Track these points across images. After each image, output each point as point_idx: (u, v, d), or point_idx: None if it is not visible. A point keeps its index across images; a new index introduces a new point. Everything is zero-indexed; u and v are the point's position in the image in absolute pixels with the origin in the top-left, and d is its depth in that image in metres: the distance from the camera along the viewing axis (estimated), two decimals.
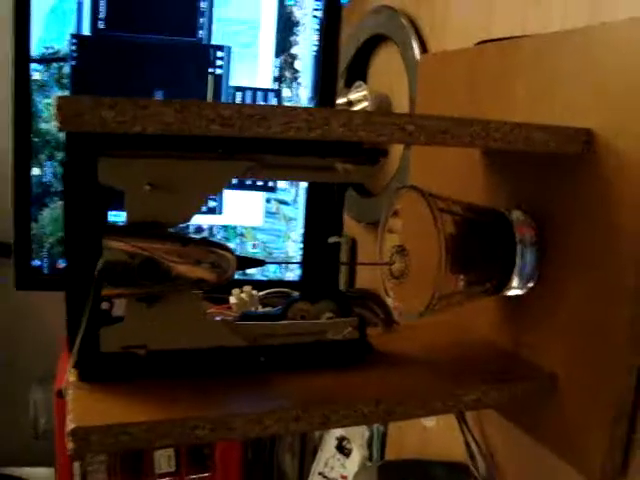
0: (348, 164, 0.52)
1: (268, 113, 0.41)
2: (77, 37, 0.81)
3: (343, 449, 0.96)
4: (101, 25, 0.81)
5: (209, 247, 0.49)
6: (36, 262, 0.86)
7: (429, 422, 0.81)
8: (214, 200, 0.86)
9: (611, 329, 0.49)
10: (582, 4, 0.60)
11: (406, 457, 0.84)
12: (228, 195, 0.87)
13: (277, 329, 0.53)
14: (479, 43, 0.68)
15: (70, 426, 0.42)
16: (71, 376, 0.49)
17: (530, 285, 0.58)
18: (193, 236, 0.50)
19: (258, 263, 0.52)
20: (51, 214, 0.84)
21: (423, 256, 0.57)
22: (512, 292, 0.58)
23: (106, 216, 0.48)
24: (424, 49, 0.84)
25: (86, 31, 0.81)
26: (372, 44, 0.95)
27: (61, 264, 0.86)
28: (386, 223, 0.58)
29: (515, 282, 0.57)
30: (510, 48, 0.62)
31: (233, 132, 0.41)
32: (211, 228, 0.88)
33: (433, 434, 0.81)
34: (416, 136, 0.45)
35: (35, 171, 0.83)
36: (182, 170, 0.47)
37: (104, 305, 0.51)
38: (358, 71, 0.98)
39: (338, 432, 0.98)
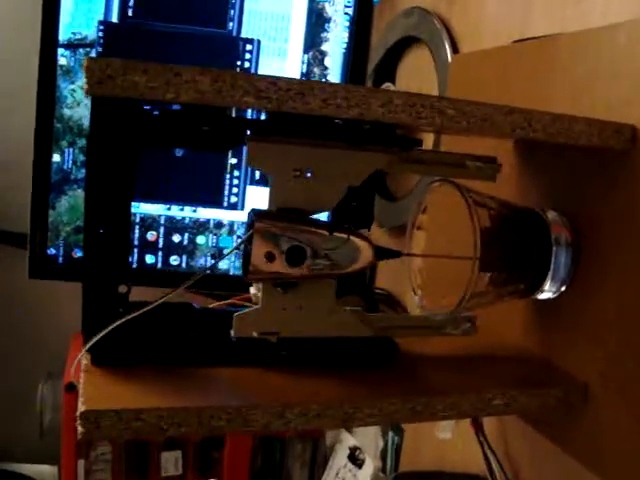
0: (479, 162, 0.52)
1: (305, 88, 0.40)
2: (105, 24, 0.80)
3: (355, 459, 0.93)
4: (130, 13, 0.80)
5: (351, 236, 0.48)
6: (51, 251, 0.84)
7: (445, 434, 0.79)
8: (235, 195, 0.85)
9: None
10: (625, 3, 0.58)
11: (421, 469, 0.81)
12: (250, 191, 0.85)
13: (399, 321, 0.54)
14: (515, 42, 0.67)
15: (81, 409, 0.41)
16: (84, 360, 0.48)
17: (563, 289, 0.55)
18: (334, 224, 0.49)
19: (395, 254, 0.51)
20: (69, 202, 0.82)
21: (455, 252, 0.55)
22: (544, 295, 0.56)
23: (133, 189, 0.46)
24: (456, 51, 0.83)
25: (114, 18, 0.80)
26: (402, 45, 0.93)
27: (77, 254, 0.85)
28: (416, 219, 0.56)
29: (548, 285, 0.55)
30: (548, 45, 0.60)
31: (268, 105, 0.39)
32: (232, 224, 0.86)
33: (450, 445, 0.78)
34: (457, 121, 0.43)
35: (55, 158, 0.81)
36: (327, 159, 0.47)
37: (121, 288, 0.49)
38: (387, 72, 0.96)
39: (351, 441, 0.95)
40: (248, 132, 0.48)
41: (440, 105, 0.43)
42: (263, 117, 0.50)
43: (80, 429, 0.41)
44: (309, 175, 0.47)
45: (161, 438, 0.96)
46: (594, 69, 0.54)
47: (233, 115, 0.53)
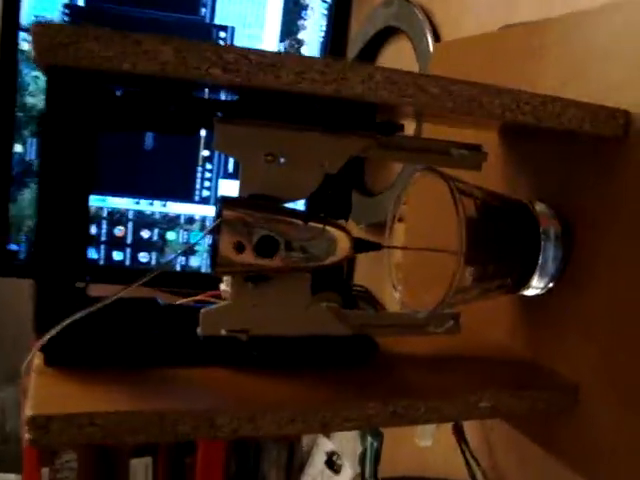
0: (464, 149, 0.49)
1: (278, 60, 0.36)
2: (70, 7, 0.76)
3: (333, 465, 0.90)
4: None
5: (327, 226, 0.45)
6: (13, 246, 0.80)
7: (425, 442, 0.75)
8: (207, 189, 0.81)
9: None
10: None
11: (402, 475, 0.78)
12: (223, 184, 0.81)
13: (380, 319, 0.51)
14: (502, 28, 0.64)
15: (29, 413, 0.37)
16: (37, 360, 0.44)
17: (551, 285, 0.52)
18: (309, 213, 0.45)
19: (374, 246, 0.48)
20: (32, 195, 0.78)
21: (438, 245, 0.52)
22: (531, 292, 0.53)
23: (93, 176, 0.42)
24: (438, 42, 0.80)
25: (80, 1, 0.76)
26: (382, 36, 0.90)
27: None
28: (397, 210, 0.53)
29: (536, 280, 0.52)
30: (537, 29, 0.57)
31: (237, 79, 0.36)
32: (204, 219, 0.82)
33: (431, 450, 0.75)
34: (442, 101, 0.40)
35: (17, 148, 0.77)
36: (302, 143, 0.44)
37: (79, 284, 0.46)
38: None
39: (328, 446, 0.92)
40: (217, 114, 0.44)
41: (424, 83, 0.40)
42: (229, 100, 0.47)
43: (27, 435, 0.37)
44: (282, 161, 0.44)
45: (121, 445, 0.92)
46: (587, 52, 0.51)
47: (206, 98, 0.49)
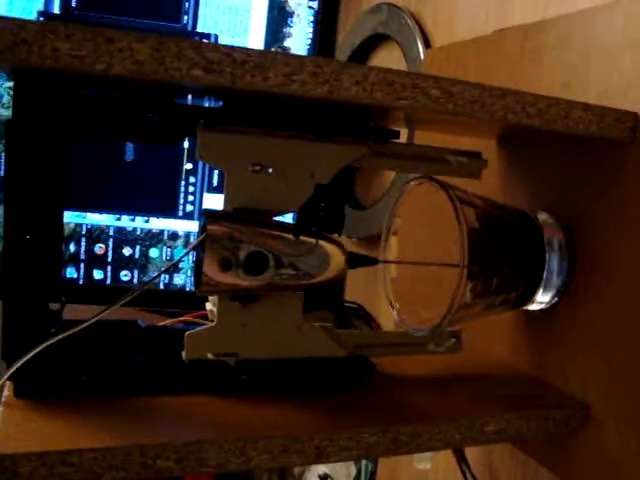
0: (462, 156, 0.47)
1: (266, 60, 0.33)
2: (45, 15, 0.73)
3: None
4: (73, 3, 0.73)
5: (319, 240, 0.42)
6: None
7: (424, 464, 0.72)
8: (191, 204, 0.78)
9: None
10: None
11: None
12: (207, 198, 0.78)
13: (377, 338, 0.48)
14: (496, 32, 0.61)
15: None
16: (6, 391, 0.40)
17: (556, 299, 0.50)
18: (300, 226, 0.42)
19: (370, 261, 0.46)
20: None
21: (434, 259, 0.49)
22: (536, 306, 0.50)
23: (65, 187, 0.39)
24: (429, 48, 0.78)
25: (56, 9, 0.73)
26: (370, 44, 0.88)
27: None
28: (392, 223, 0.50)
29: (540, 294, 0.49)
30: (532, 31, 0.55)
31: (221, 81, 0.33)
32: (188, 235, 0.79)
33: (429, 475, 0.72)
34: (442, 103, 0.37)
35: None
36: (291, 152, 0.41)
37: (53, 306, 0.42)
38: None
39: (321, 469, 0.88)
40: (200, 122, 0.41)
41: (424, 84, 0.37)
42: (213, 107, 0.44)
43: None
44: (270, 171, 0.41)
45: None
46: (586, 53, 0.49)
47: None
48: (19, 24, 0.30)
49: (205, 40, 0.76)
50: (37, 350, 0.38)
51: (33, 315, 0.40)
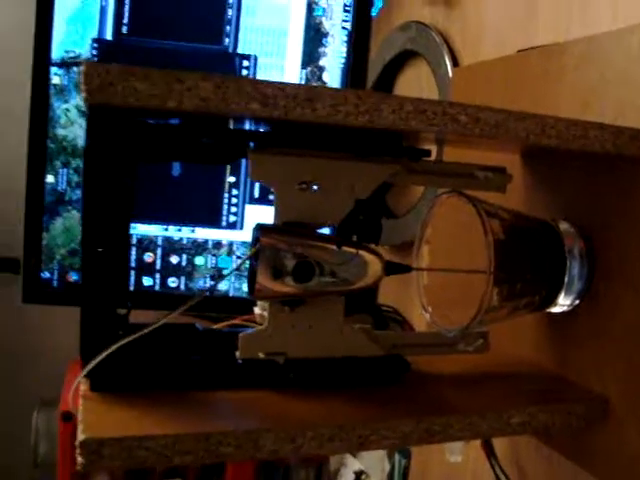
0: (488, 172, 0.51)
1: (314, 94, 0.38)
2: (99, 41, 0.78)
3: None
4: (124, 30, 0.79)
5: (359, 250, 0.47)
6: (46, 274, 0.82)
7: (455, 457, 0.76)
8: (234, 215, 0.83)
9: None
10: (633, 11, 0.57)
11: None
12: (249, 210, 0.83)
13: (412, 338, 0.52)
14: (520, 52, 0.65)
15: (81, 437, 0.38)
16: (82, 386, 0.45)
17: (577, 302, 0.54)
18: (342, 238, 0.47)
19: (405, 269, 0.50)
20: (64, 224, 0.80)
21: (463, 266, 0.53)
22: (558, 309, 0.54)
23: (132, 205, 0.44)
24: (456, 65, 0.82)
25: (109, 36, 0.79)
26: (400, 60, 0.92)
27: (72, 277, 0.82)
28: (424, 233, 0.55)
29: (562, 298, 0.53)
30: (555, 52, 0.59)
31: (275, 113, 0.38)
32: (231, 244, 0.84)
33: (459, 468, 0.76)
34: (470, 128, 0.42)
35: (49, 179, 0.79)
36: (333, 170, 0.46)
37: (120, 310, 0.47)
38: (385, 88, 0.95)
39: (356, 465, 0.92)
40: (250, 145, 0.46)
41: (452, 111, 0.41)
42: (262, 131, 0.48)
43: (80, 459, 0.38)
44: (315, 188, 0.46)
45: (164, 467, 0.93)
46: (604, 74, 0.52)
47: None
48: (106, 69, 0.35)
49: (245, 61, 0.81)
50: (110, 350, 0.43)
51: (105, 319, 0.45)
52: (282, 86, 0.38)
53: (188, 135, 0.46)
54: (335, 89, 0.39)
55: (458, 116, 0.41)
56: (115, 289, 0.45)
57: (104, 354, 0.43)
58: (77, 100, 0.77)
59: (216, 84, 0.37)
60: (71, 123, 0.76)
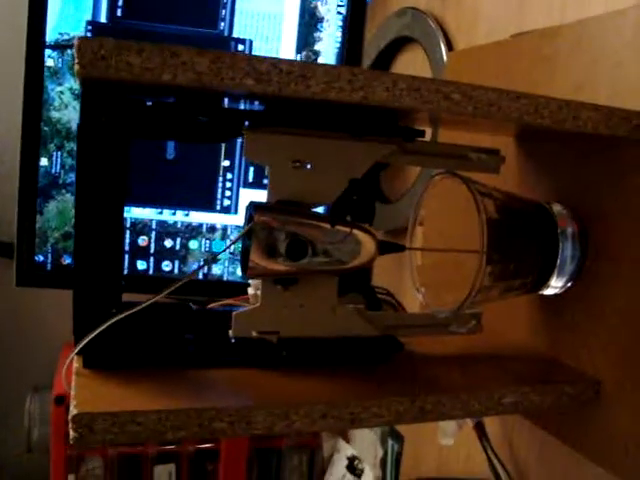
0: (482, 153, 0.51)
1: (308, 71, 0.38)
2: (93, 24, 0.78)
3: (354, 469, 0.90)
4: (119, 13, 0.78)
5: (353, 229, 0.47)
6: (39, 258, 0.82)
7: (447, 440, 0.76)
8: (228, 199, 0.83)
9: None
10: None
11: (423, 477, 0.79)
12: (243, 193, 0.83)
13: (404, 319, 0.52)
14: (513, 36, 0.66)
15: (73, 412, 0.38)
16: (75, 363, 0.46)
17: (569, 284, 0.54)
18: (335, 217, 0.47)
19: (398, 248, 0.50)
20: (57, 207, 0.80)
21: (459, 246, 0.54)
22: (550, 291, 0.55)
23: (127, 183, 0.44)
24: (451, 50, 0.82)
25: (103, 18, 0.79)
26: (395, 46, 0.92)
27: (66, 260, 0.82)
28: (417, 214, 0.55)
29: (554, 279, 0.53)
30: (549, 36, 0.59)
31: (269, 89, 0.38)
32: (225, 228, 0.84)
33: (452, 451, 0.76)
34: (463, 106, 0.42)
35: (43, 162, 0.79)
36: (327, 150, 0.46)
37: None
38: None
39: (349, 451, 0.93)
40: (245, 124, 0.46)
41: (446, 89, 0.41)
42: (257, 110, 0.48)
43: (72, 434, 0.38)
44: (309, 167, 0.46)
45: (150, 449, 0.93)
46: (598, 58, 0.53)
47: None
48: (99, 42, 0.35)
49: (240, 45, 0.81)
50: (103, 327, 0.43)
51: (98, 297, 0.45)
52: (276, 62, 0.38)
53: (182, 113, 0.46)
54: (329, 65, 0.39)
55: (451, 94, 0.41)
56: (108, 265, 0.45)
57: (97, 331, 0.43)
58: (71, 83, 0.77)
59: (211, 59, 0.37)
60: (65, 106, 0.76)
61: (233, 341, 0.47)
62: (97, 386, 0.42)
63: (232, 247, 0.81)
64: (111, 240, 0.45)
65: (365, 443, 0.91)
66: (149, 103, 0.45)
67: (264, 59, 0.37)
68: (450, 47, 0.82)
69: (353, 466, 0.91)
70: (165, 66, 0.36)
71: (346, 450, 0.94)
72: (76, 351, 0.44)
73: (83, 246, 0.44)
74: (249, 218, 0.45)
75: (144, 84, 0.37)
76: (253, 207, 0.45)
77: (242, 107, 0.47)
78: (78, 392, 0.41)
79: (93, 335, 0.43)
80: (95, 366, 0.45)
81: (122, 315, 0.44)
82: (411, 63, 0.91)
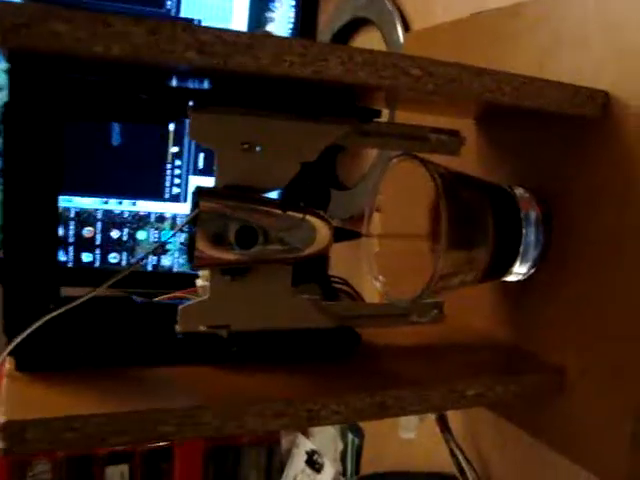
0: (441, 134, 0.49)
1: (256, 42, 0.35)
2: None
3: (314, 464, 0.88)
4: None
5: (306, 215, 0.44)
6: None
7: (408, 434, 0.75)
8: (177, 187, 0.79)
9: (631, 317, 0.44)
10: None
11: (384, 471, 0.77)
12: (193, 181, 0.79)
13: (363, 310, 0.50)
14: (472, 15, 0.63)
15: (1, 420, 0.35)
16: (7, 365, 0.42)
17: (532, 271, 0.52)
18: (287, 202, 0.44)
19: (354, 235, 0.48)
20: None
21: (418, 232, 0.51)
22: (513, 277, 0.53)
23: (61, 172, 0.40)
24: (408, 32, 0.79)
25: None
26: (350, 28, 0.89)
27: None
28: (374, 199, 0.52)
29: (518, 265, 0.51)
30: (508, 14, 0.57)
31: (213, 61, 0.34)
32: (174, 217, 0.80)
33: (414, 445, 0.74)
34: (423, 82, 0.39)
35: None
36: (278, 131, 0.43)
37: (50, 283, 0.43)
38: None
39: (308, 445, 0.90)
40: (190, 103, 0.43)
41: (404, 64, 0.39)
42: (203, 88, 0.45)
43: (2, 443, 0.35)
44: (258, 149, 0.43)
45: (100, 450, 0.89)
46: (560, 35, 0.51)
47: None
48: (22, 8, 0.31)
49: None
50: (37, 325, 0.39)
51: (31, 292, 0.42)
52: (220, 32, 0.34)
53: (121, 90, 0.43)
54: (280, 37, 0.36)
55: (410, 69, 0.39)
56: (41, 258, 0.42)
57: (30, 329, 0.39)
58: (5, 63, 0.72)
59: (149, 29, 0.33)
60: (5, 86, 0.71)
61: (180, 336, 0.44)
62: (30, 390, 0.39)
63: (181, 237, 0.77)
64: (44, 231, 0.41)
65: (325, 437, 0.89)
66: (84, 78, 0.41)
67: (207, 29, 0.34)
68: (407, 28, 0.80)
69: (312, 460, 0.89)
70: (97, 36, 0.32)
71: (305, 445, 0.91)
72: (7, 352, 0.41)
73: (12, 238, 0.40)
74: (195, 204, 0.42)
75: (79, 58, 0.34)
76: (199, 193, 0.41)
77: (191, 86, 0.44)
78: (8, 398, 0.37)
79: (26, 334, 0.39)
80: (29, 368, 0.41)
81: (57, 312, 0.40)
82: (367, 45, 0.88)
